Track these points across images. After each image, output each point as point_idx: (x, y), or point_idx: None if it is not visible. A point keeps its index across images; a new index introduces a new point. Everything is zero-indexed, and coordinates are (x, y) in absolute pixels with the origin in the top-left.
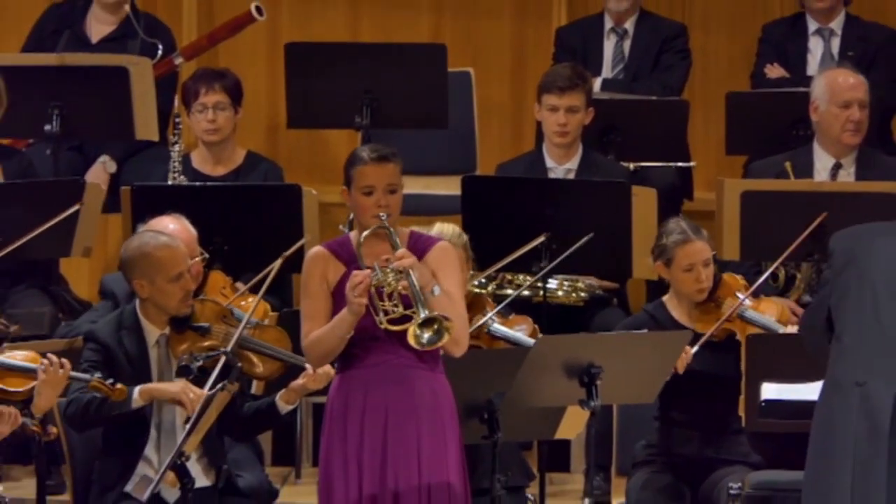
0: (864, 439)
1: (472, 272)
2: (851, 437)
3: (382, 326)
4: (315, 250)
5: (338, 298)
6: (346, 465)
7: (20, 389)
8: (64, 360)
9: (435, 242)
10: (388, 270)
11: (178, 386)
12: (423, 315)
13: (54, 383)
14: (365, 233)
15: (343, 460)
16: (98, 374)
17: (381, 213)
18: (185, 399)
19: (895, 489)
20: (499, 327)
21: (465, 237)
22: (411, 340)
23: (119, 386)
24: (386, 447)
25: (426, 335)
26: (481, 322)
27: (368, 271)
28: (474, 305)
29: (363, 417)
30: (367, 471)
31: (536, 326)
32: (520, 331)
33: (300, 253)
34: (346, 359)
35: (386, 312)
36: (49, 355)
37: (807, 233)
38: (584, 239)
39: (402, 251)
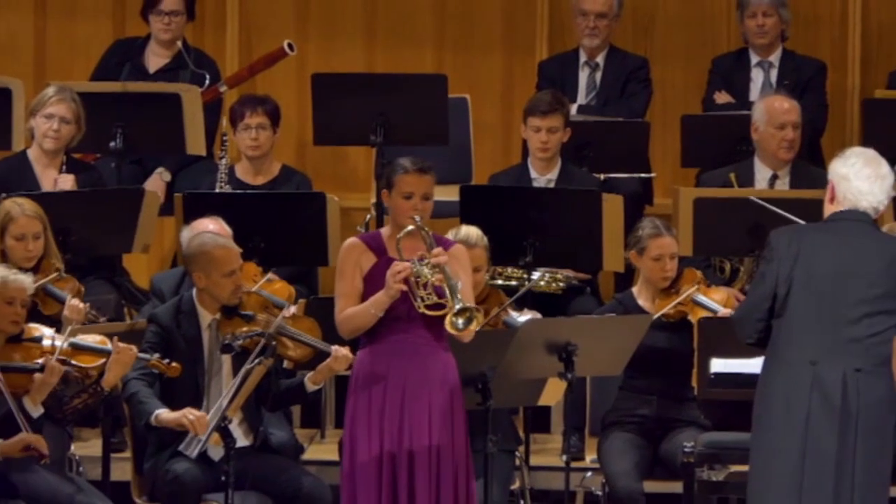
0: (818, 412)
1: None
2: (804, 409)
3: (420, 311)
4: (352, 241)
5: (368, 283)
6: (370, 426)
7: (93, 365)
8: (132, 346)
9: (451, 245)
10: (425, 264)
11: (179, 413)
12: (458, 306)
13: (124, 362)
14: (404, 231)
15: (367, 422)
16: (157, 355)
17: (416, 216)
18: (185, 421)
19: (843, 455)
20: (513, 318)
21: (485, 239)
22: (449, 327)
23: (174, 364)
24: (403, 411)
25: (460, 321)
26: (498, 312)
27: (409, 262)
28: (490, 298)
29: (386, 386)
30: (387, 432)
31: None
32: None
33: (325, 248)
34: (372, 335)
35: (423, 299)
36: (123, 344)
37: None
38: (536, 277)
39: (438, 249)
